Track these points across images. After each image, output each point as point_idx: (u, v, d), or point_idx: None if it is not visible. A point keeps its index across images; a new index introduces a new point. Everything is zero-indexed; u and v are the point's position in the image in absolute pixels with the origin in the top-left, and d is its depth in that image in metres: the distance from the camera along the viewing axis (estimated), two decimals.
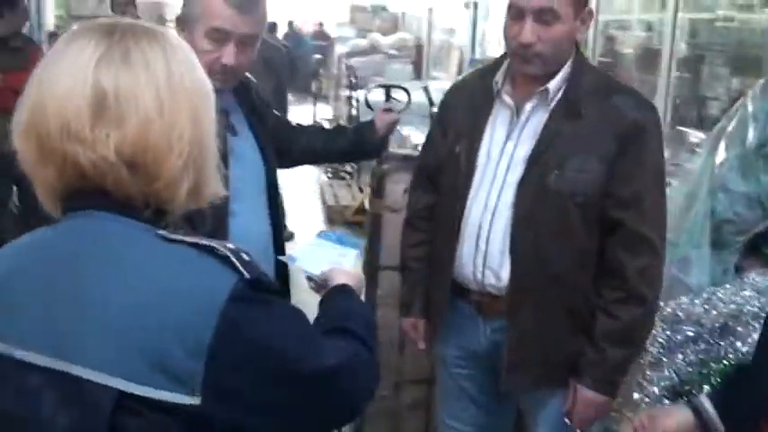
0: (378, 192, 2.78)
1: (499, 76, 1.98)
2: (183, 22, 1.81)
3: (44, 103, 0.99)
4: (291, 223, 5.43)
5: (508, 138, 1.95)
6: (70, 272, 0.98)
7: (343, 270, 1.47)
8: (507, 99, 1.96)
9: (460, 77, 2.24)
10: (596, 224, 1.89)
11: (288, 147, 2.24)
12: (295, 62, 11.06)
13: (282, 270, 2.06)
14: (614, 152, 1.84)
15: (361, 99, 6.78)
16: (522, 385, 2.03)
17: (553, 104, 1.90)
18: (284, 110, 5.38)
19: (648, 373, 2.15)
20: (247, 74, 2.07)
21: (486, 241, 1.95)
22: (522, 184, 1.90)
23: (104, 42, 0.99)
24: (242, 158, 1.87)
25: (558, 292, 1.92)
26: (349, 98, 9.08)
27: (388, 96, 2.52)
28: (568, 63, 1.91)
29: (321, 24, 19.34)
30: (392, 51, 11.15)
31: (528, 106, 1.93)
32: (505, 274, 1.94)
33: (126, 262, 0.98)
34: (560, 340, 1.95)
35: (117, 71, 0.98)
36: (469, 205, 1.98)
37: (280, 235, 2.02)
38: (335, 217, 6.87)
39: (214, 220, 1.80)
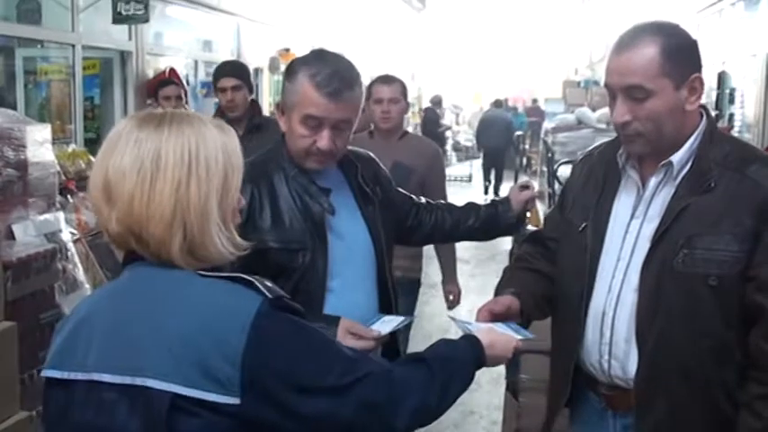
0: None
1: (624, 150, 1.83)
2: (283, 108, 1.91)
3: (91, 184, 1.24)
4: None
5: (633, 215, 1.79)
6: (132, 309, 1.21)
7: (494, 330, 1.64)
8: (632, 174, 1.82)
9: (588, 149, 2.11)
10: (736, 312, 1.66)
11: (415, 224, 2.24)
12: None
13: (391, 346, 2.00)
14: (752, 229, 1.63)
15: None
16: None
17: (680, 178, 1.73)
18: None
19: None
20: (359, 152, 2.10)
21: (610, 328, 1.79)
22: (647, 266, 1.72)
23: (127, 130, 1.22)
24: (344, 236, 1.89)
25: (692, 389, 1.70)
26: (549, 174, 8.90)
27: None
28: (696, 133, 1.73)
29: (535, 101, 19.38)
30: (600, 125, 10.84)
31: (653, 181, 1.77)
32: (632, 365, 1.76)
33: (172, 296, 1.19)
34: None
35: (117, 158, 1.20)
36: (595, 288, 1.83)
37: (389, 312, 1.98)
38: None
39: (308, 295, 1.81)
